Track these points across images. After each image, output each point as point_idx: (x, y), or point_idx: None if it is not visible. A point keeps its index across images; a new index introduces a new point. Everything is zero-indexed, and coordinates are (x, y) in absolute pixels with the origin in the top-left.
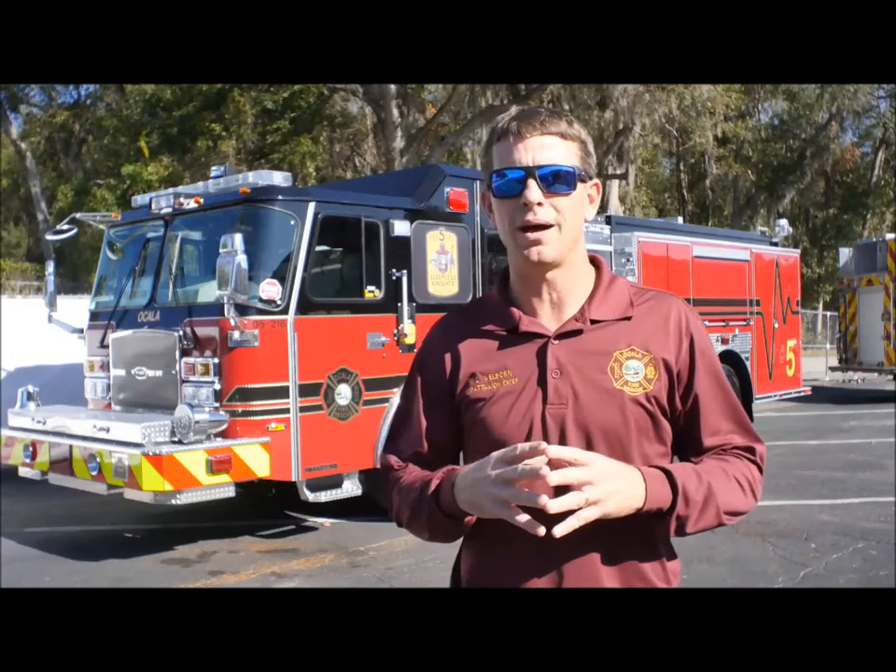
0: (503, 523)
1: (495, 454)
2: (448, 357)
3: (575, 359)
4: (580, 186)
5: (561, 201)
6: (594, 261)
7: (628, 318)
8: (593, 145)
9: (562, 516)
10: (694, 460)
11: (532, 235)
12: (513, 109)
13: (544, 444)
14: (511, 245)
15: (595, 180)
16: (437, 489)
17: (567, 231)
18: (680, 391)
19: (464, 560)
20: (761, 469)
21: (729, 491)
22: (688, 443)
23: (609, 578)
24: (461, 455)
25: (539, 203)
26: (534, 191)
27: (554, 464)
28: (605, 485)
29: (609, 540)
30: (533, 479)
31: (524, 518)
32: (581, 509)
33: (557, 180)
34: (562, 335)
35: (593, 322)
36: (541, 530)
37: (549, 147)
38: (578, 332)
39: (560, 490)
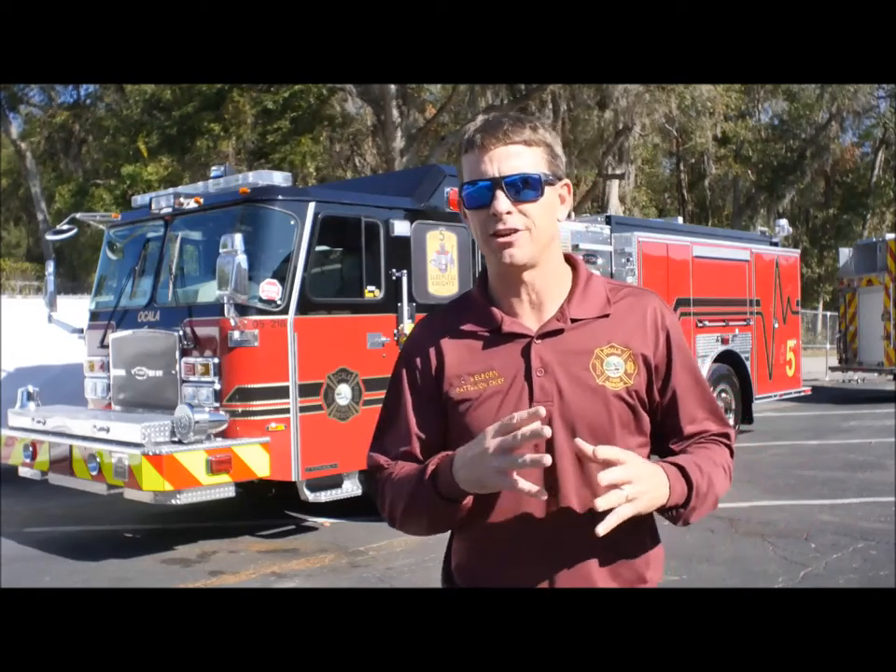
0: (491, 516)
1: (490, 427)
2: (433, 356)
3: (558, 358)
4: (548, 190)
5: (529, 207)
6: (570, 260)
7: (606, 316)
8: (560, 146)
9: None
10: (675, 447)
11: (503, 239)
12: (479, 119)
13: (542, 409)
14: (485, 251)
15: (566, 181)
16: (434, 473)
17: (539, 233)
18: (658, 384)
19: (454, 555)
20: (732, 453)
21: (720, 479)
22: (668, 432)
23: (596, 567)
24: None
25: (509, 212)
26: (502, 201)
27: (603, 464)
28: (640, 484)
29: (594, 527)
30: (534, 442)
31: (527, 485)
32: (614, 507)
33: (525, 187)
34: (544, 335)
35: (573, 321)
36: (544, 493)
37: (514, 156)
38: (559, 332)
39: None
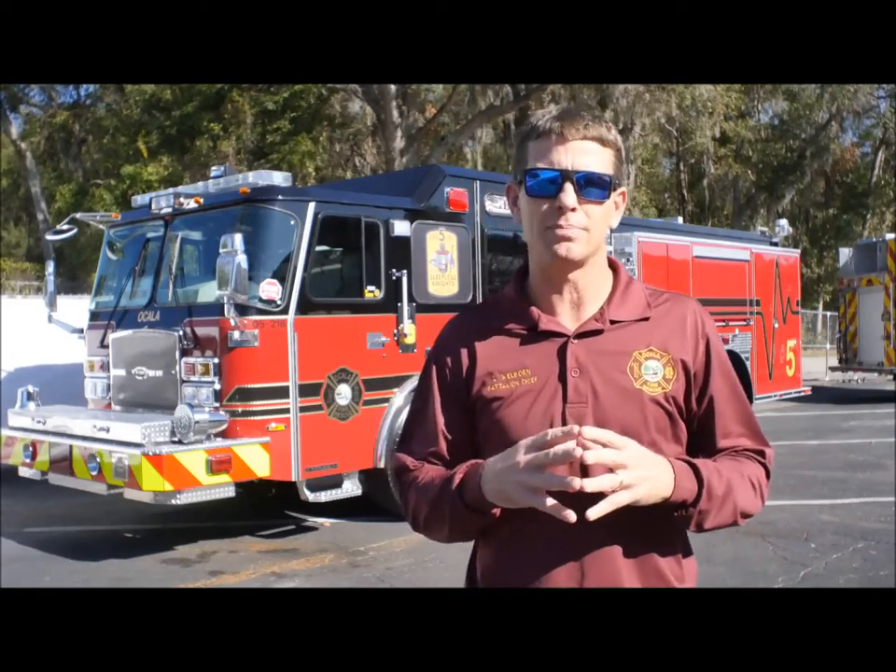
0: (520, 521)
1: (523, 441)
2: (464, 355)
3: (595, 359)
4: (612, 193)
5: (593, 207)
6: (611, 264)
7: (646, 319)
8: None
9: (588, 504)
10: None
11: (562, 232)
12: (554, 108)
13: (577, 427)
14: (537, 243)
15: (623, 188)
16: (461, 483)
17: (595, 235)
18: (696, 393)
19: (479, 560)
20: (768, 473)
21: (744, 491)
22: (701, 444)
23: (628, 576)
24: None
25: (573, 209)
26: (570, 196)
27: (588, 446)
28: (638, 470)
29: (628, 538)
30: (566, 462)
31: (554, 503)
32: (613, 492)
33: (593, 186)
34: (581, 335)
35: (612, 322)
36: (572, 516)
37: (588, 153)
38: (598, 332)
39: (589, 475)
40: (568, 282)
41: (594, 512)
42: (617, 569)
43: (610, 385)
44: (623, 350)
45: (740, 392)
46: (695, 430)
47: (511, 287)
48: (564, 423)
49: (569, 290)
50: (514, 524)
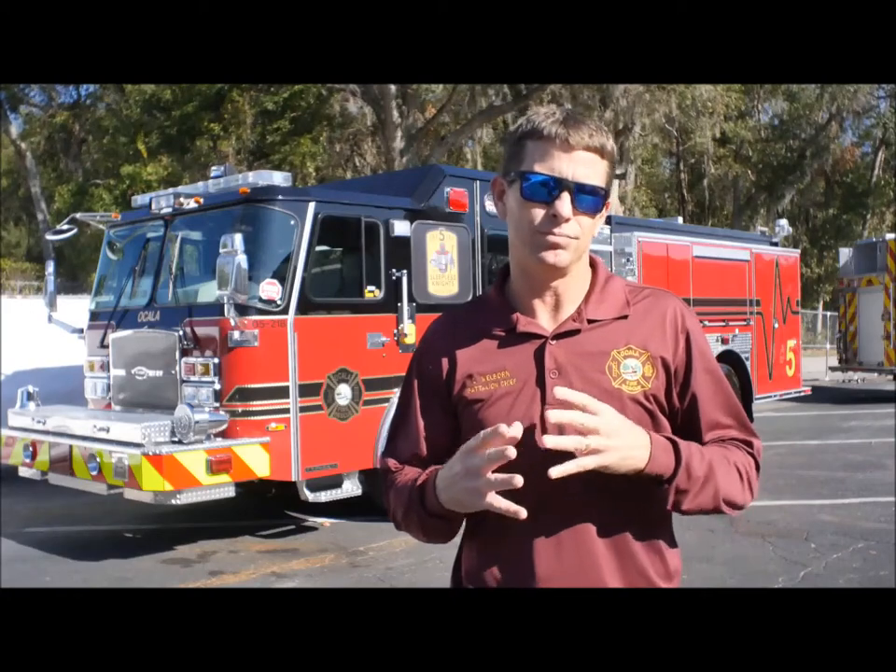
0: (501, 521)
1: (463, 447)
2: (445, 356)
3: (573, 359)
4: (604, 206)
5: (585, 218)
6: (590, 261)
7: (625, 317)
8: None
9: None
10: None
11: (553, 239)
12: (558, 111)
13: (504, 426)
14: (523, 246)
15: (609, 199)
16: (422, 491)
17: (582, 244)
18: (678, 388)
19: (464, 560)
20: (758, 465)
21: (728, 475)
22: (688, 439)
23: (610, 575)
24: None
25: (568, 219)
26: (566, 206)
27: (562, 407)
28: (610, 438)
29: (611, 536)
30: (502, 462)
31: (503, 503)
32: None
33: (589, 198)
34: (560, 335)
35: (590, 322)
36: (523, 513)
37: (589, 164)
38: (575, 332)
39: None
40: (550, 287)
41: (556, 471)
42: (599, 567)
43: (590, 385)
44: (601, 349)
45: (725, 385)
46: (681, 425)
47: (493, 287)
48: (543, 425)
49: (550, 293)
50: (496, 523)
